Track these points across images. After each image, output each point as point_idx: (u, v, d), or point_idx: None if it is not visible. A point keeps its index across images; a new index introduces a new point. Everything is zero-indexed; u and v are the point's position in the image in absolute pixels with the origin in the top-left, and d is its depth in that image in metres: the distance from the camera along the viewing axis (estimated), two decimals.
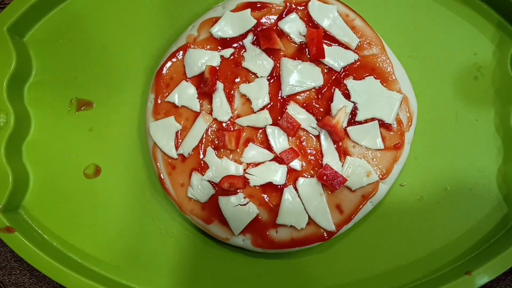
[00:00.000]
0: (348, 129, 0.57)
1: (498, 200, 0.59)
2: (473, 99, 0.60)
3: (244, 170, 0.57)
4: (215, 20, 0.59)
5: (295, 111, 0.57)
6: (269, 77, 0.58)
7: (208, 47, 0.59)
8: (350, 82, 0.57)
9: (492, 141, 0.60)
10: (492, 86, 0.61)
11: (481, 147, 0.60)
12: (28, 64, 0.63)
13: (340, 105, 0.57)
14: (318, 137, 0.57)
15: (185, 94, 0.58)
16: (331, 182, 0.55)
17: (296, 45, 0.58)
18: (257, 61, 0.58)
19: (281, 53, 0.58)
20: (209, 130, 0.58)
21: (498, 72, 0.61)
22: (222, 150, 0.57)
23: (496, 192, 0.59)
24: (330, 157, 0.56)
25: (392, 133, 0.57)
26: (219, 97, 0.58)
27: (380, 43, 0.59)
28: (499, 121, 0.60)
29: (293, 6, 0.59)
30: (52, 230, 0.60)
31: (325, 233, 0.56)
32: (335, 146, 0.56)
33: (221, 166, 0.57)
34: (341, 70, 0.57)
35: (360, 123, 0.57)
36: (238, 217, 0.56)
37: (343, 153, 0.56)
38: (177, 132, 0.58)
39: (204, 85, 0.58)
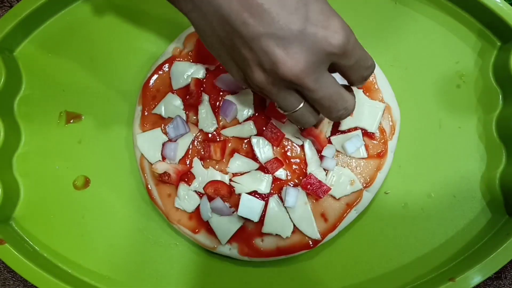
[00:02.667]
0: (332, 138, 0.57)
1: (481, 206, 0.59)
2: (456, 107, 0.61)
3: (230, 179, 0.57)
4: None
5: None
6: None
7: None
8: None
9: (475, 148, 0.60)
10: (475, 94, 0.61)
11: (465, 154, 0.60)
12: (17, 78, 0.64)
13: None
14: (302, 146, 0.58)
15: (171, 106, 0.59)
16: (315, 191, 0.56)
17: None
18: None
19: None
20: (195, 141, 0.59)
21: (481, 80, 0.62)
22: (208, 160, 0.58)
23: (480, 198, 0.60)
24: (314, 166, 0.57)
25: (375, 141, 0.58)
26: (205, 108, 0.59)
27: None
28: (482, 129, 0.61)
29: None
30: (43, 241, 0.61)
31: (310, 241, 0.57)
32: (319, 155, 0.57)
33: (207, 176, 0.58)
34: None
35: (343, 132, 0.58)
36: (224, 227, 0.57)
37: None
38: (164, 144, 0.59)
39: (190, 97, 0.59)
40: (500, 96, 0.61)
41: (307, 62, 0.39)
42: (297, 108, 0.45)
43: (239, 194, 0.56)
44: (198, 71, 0.59)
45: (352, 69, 0.43)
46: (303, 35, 0.38)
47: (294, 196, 0.56)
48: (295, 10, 0.38)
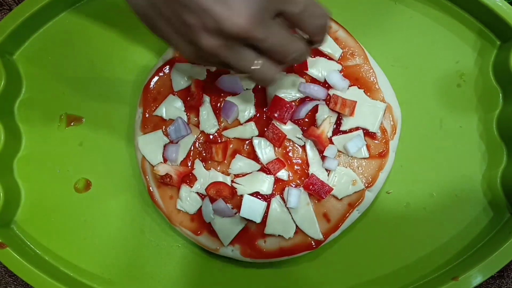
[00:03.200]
0: (333, 138, 0.57)
1: (483, 205, 0.60)
2: (456, 106, 0.61)
3: (232, 181, 0.57)
4: None
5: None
6: (254, 89, 0.59)
7: None
8: (334, 93, 0.58)
9: (476, 147, 0.61)
10: (475, 93, 0.62)
11: (466, 154, 0.60)
12: (18, 82, 0.64)
13: (324, 116, 0.57)
14: (303, 147, 0.58)
15: (172, 108, 0.59)
16: (317, 192, 0.56)
17: None
18: None
19: None
20: (197, 143, 0.59)
21: (481, 79, 0.62)
22: (209, 162, 0.58)
23: (481, 197, 0.60)
24: (316, 167, 0.57)
25: (376, 141, 0.58)
26: (206, 110, 0.59)
27: (363, 53, 0.60)
28: (482, 128, 0.61)
29: None
30: (44, 245, 0.61)
31: (312, 241, 0.57)
32: (321, 155, 0.57)
33: (209, 177, 0.58)
34: (324, 80, 0.58)
35: (344, 132, 0.58)
36: (226, 228, 0.57)
37: None
38: (165, 145, 0.59)
39: (191, 98, 0.59)
40: (501, 95, 0.61)
41: (250, 12, 0.38)
42: (256, 64, 0.44)
43: (241, 196, 0.56)
44: (198, 73, 0.59)
45: (303, 17, 0.42)
46: None
47: (296, 196, 0.56)
48: None
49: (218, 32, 0.39)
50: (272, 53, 0.43)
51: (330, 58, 0.59)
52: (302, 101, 0.58)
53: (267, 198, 0.57)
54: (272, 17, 0.41)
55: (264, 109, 0.58)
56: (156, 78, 0.60)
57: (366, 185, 0.57)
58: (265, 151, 0.57)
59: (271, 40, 0.41)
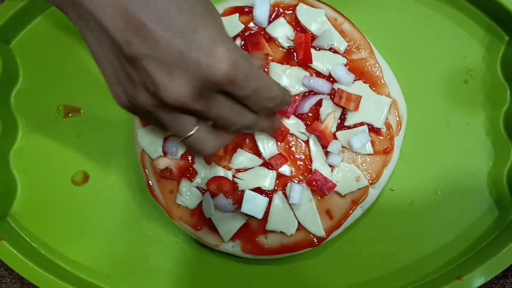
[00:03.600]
0: (338, 133, 0.56)
1: (488, 204, 0.59)
2: (463, 103, 0.60)
3: (233, 176, 0.56)
4: None
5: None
6: None
7: None
8: (339, 87, 0.57)
9: (482, 145, 0.60)
10: (482, 89, 0.60)
11: (472, 151, 0.59)
12: (14, 71, 0.62)
13: (329, 110, 0.56)
14: (307, 142, 0.56)
15: None
16: (320, 188, 0.54)
17: (284, 50, 0.58)
18: None
19: (269, 58, 0.58)
20: None
21: (488, 75, 0.60)
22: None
23: (487, 196, 0.59)
24: (319, 162, 0.56)
25: (381, 137, 0.57)
26: None
27: (369, 47, 0.58)
28: (489, 125, 0.60)
29: (281, 10, 0.58)
30: (40, 238, 0.60)
31: (315, 238, 0.56)
32: (324, 151, 0.56)
33: (210, 172, 0.56)
34: (329, 74, 0.57)
35: (349, 127, 0.56)
36: (227, 224, 0.56)
37: None
38: (165, 139, 0.57)
39: None
40: (508, 91, 0.60)
41: (190, 88, 0.36)
42: (192, 132, 0.41)
43: (243, 191, 0.55)
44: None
45: (250, 99, 0.40)
46: (187, 60, 0.36)
47: (299, 192, 0.55)
48: (181, 33, 0.35)
49: (156, 96, 0.37)
50: (215, 122, 0.41)
51: (335, 52, 0.58)
52: (306, 95, 0.57)
53: (269, 194, 0.56)
54: (216, 93, 0.39)
55: None
56: None
57: (370, 181, 0.56)
58: (268, 145, 0.56)
59: (213, 113, 0.39)
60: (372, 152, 0.56)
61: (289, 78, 0.57)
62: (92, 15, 0.36)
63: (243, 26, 0.58)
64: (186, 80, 0.36)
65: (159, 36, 0.35)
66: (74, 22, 0.39)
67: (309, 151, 0.56)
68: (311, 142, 0.56)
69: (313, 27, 0.58)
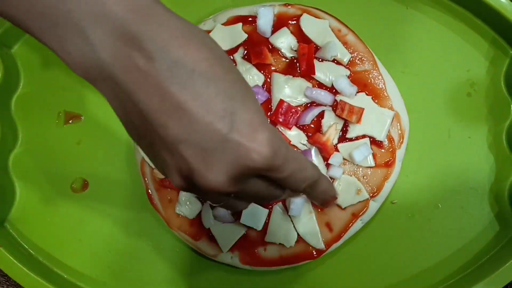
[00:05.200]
0: (339, 146, 0.56)
1: (489, 218, 0.58)
2: (466, 116, 0.60)
3: None
4: None
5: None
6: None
7: None
8: (341, 99, 0.56)
9: (484, 159, 0.59)
10: (486, 103, 0.60)
11: (474, 165, 0.59)
12: (15, 76, 0.62)
13: (331, 122, 0.56)
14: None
15: None
16: None
17: (287, 60, 0.58)
18: (248, 75, 0.57)
19: (272, 68, 0.58)
20: None
21: (492, 89, 0.60)
22: None
23: (488, 210, 0.58)
24: None
25: (383, 150, 0.56)
26: None
27: (373, 58, 0.58)
28: (492, 139, 0.59)
29: (285, 20, 0.58)
30: (38, 245, 0.59)
31: (314, 251, 0.55)
32: (326, 163, 0.56)
33: None
34: (332, 85, 0.57)
35: (351, 140, 0.56)
36: (226, 234, 0.55)
37: None
38: None
39: None
40: (511, 106, 0.60)
41: (228, 176, 0.34)
42: (226, 201, 0.40)
43: None
44: None
45: (286, 181, 0.38)
46: (225, 146, 0.33)
47: (299, 204, 0.54)
48: (220, 117, 0.32)
49: (191, 181, 0.35)
50: (246, 199, 0.40)
51: (338, 63, 0.57)
52: (308, 106, 0.57)
53: (268, 205, 0.55)
54: (252, 177, 0.37)
55: (269, 113, 0.57)
56: None
57: (371, 194, 0.56)
58: None
59: (245, 193, 0.37)
60: (373, 165, 0.56)
61: (291, 88, 0.57)
62: (127, 93, 0.33)
63: (246, 35, 0.58)
64: (224, 168, 0.34)
65: (199, 119, 0.32)
66: (106, 98, 0.36)
67: None
68: (312, 154, 0.56)
69: (316, 38, 0.57)
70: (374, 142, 0.56)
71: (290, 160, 0.36)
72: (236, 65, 0.57)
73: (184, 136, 0.32)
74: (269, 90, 0.57)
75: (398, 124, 0.57)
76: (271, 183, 0.38)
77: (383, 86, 0.57)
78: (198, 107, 0.32)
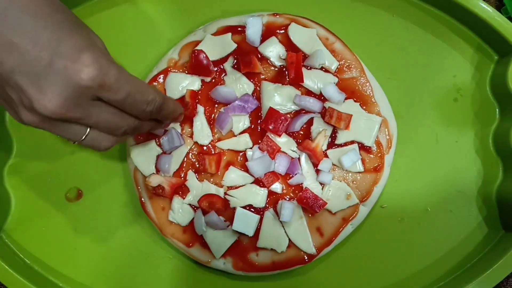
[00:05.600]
0: (328, 152, 0.57)
1: (478, 221, 0.59)
2: (453, 121, 0.61)
3: (225, 193, 0.57)
4: (196, 44, 0.59)
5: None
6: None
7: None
8: (329, 105, 0.57)
9: (472, 162, 0.60)
10: (472, 108, 0.61)
11: (461, 169, 0.60)
12: None
13: (320, 129, 0.57)
14: (298, 160, 0.57)
15: None
16: (311, 205, 0.55)
17: (276, 69, 0.59)
18: (238, 84, 0.58)
19: (262, 76, 0.59)
20: (190, 154, 0.58)
21: (478, 94, 0.61)
22: (202, 173, 0.57)
23: (476, 213, 0.59)
24: (310, 180, 0.57)
25: (371, 155, 0.57)
26: (200, 120, 0.58)
27: (360, 66, 0.59)
28: (479, 143, 0.60)
29: (273, 30, 0.59)
30: (34, 254, 0.60)
31: (305, 256, 0.56)
32: (315, 169, 0.57)
33: (202, 189, 0.57)
34: (320, 93, 0.58)
35: (340, 146, 0.57)
36: (218, 241, 0.56)
37: None
38: (158, 156, 0.58)
39: (185, 109, 0.58)
40: (497, 110, 0.61)
41: (62, 98, 0.38)
42: (84, 136, 0.42)
43: (234, 208, 0.56)
44: (193, 83, 0.59)
45: (126, 104, 0.42)
46: (53, 70, 0.38)
47: (290, 210, 0.55)
48: (46, 46, 0.38)
49: (34, 110, 0.39)
50: (99, 129, 0.43)
51: (326, 71, 0.58)
52: (297, 113, 0.58)
53: (260, 211, 0.56)
54: (91, 100, 0.40)
55: (259, 121, 0.58)
56: None
57: (361, 199, 0.57)
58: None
59: (93, 119, 0.41)
60: (362, 170, 0.57)
61: (280, 96, 0.58)
62: None
63: (235, 45, 0.59)
64: (56, 91, 0.38)
65: (28, 50, 0.37)
66: None
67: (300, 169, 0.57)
68: (302, 160, 0.57)
69: (304, 47, 0.58)
70: (362, 147, 0.57)
71: (123, 80, 0.41)
72: (226, 74, 0.59)
73: (17, 68, 0.38)
74: (259, 99, 0.58)
75: (386, 130, 0.58)
76: (117, 110, 0.42)
77: (371, 92, 0.58)
78: (26, 40, 0.37)
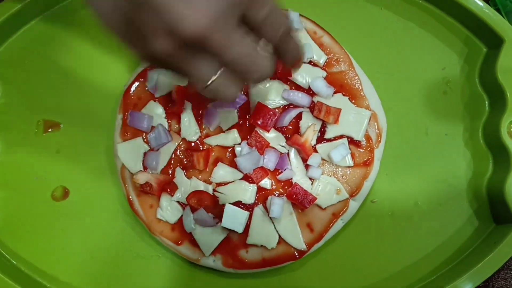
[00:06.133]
0: (317, 146, 0.56)
1: (468, 214, 0.59)
2: (442, 114, 0.61)
3: (214, 190, 0.56)
4: None
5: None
6: None
7: None
8: (318, 100, 0.57)
9: (462, 156, 0.60)
10: (461, 101, 0.61)
11: (451, 162, 0.60)
12: None
13: (308, 123, 0.56)
14: (287, 155, 0.56)
15: (153, 114, 0.58)
16: (300, 201, 0.54)
17: None
18: None
19: None
20: (178, 150, 0.57)
21: (467, 87, 0.61)
22: (191, 170, 0.57)
23: (467, 206, 0.59)
24: (300, 175, 0.56)
25: (361, 150, 0.57)
26: (188, 116, 0.57)
27: (348, 59, 0.59)
28: (468, 136, 0.60)
29: None
30: (20, 255, 0.59)
31: (296, 252, 0.56)
32: (305, 164, 0.56)
33: (190, 186, 0.56)
34: (308, 87, 0.57)
35: (329, 140, 0.57)
36: (208, 238, 0.56)
37: None
38: (145, 153, 0.57)
39: (172, 104, 0.57)
40: (487, 102, 0.61)
41: (214, 13, 0.35)
42: (214, 77, 0.39)
43: (223, 205, 0.55)
44: (180, 79, 0.58)
45: (265, 23, 0.38)
46: None
47: (279, 206, 0.55)
48: None
49: (175, 34, 0.36)
50: (235, 66, 0.39)
51: (315, 65, 0.58)
52: (286, 108, 0.57)
53: (249, 208, 0.56)
54: (237, 24, 0.37)
55: (247, 116, 0.57)
56: (136, 83, 0.59)
57: (351, 194, 0.56)
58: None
59: (235, 50, 0.37)
60: (352, 164, 0.56)
61: (269, 91, 0.57)
62: None
63: None
64: (207, 4, 0.35)
65: None
66: (98, 14, 0.39)
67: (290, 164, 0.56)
68: (291, 155, 0.56)
69: None
70: (352, 142, 0.57)
71: None
72: None
73: None
74: (247, 93, 0.57)
75: (376, 124, 0.58)
76: (253, 44, 0.38)
77: (360, 86, 0.58)
78: None
